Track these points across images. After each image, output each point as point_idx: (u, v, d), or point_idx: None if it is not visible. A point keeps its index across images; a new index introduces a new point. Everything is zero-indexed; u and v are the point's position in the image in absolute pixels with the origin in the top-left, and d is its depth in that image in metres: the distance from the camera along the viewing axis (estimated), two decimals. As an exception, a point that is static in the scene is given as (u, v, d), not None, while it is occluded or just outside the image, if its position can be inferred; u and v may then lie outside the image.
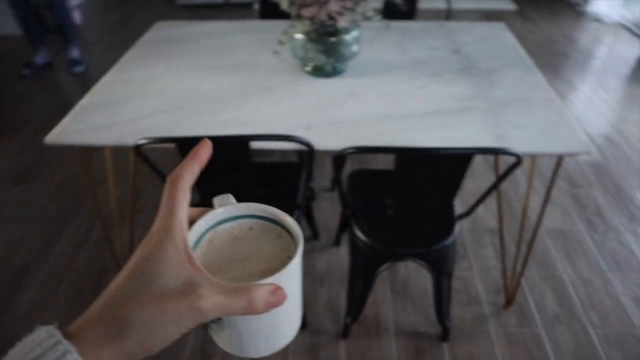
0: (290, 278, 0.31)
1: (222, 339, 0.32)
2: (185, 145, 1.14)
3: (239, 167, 1.23)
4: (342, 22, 1.35)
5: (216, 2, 4.27)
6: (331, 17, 1.35)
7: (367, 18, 1.39)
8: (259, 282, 0.29)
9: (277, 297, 0.29)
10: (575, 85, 3.10)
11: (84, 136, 1.31)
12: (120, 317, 0.26)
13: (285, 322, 0.33)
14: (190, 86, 1.52)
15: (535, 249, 1.93)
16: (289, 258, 0.31)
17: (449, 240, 1.40)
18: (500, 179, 1.22)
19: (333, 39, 1.46)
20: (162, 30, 1.93)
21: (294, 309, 0.33)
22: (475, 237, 2.01)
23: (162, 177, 1.29)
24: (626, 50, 3.57)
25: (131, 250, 1.76)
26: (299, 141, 1.11)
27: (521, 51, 1.73)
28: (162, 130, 1.31)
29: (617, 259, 1.90)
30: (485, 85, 1.50)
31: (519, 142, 1.24)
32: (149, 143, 1.15)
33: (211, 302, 0.27)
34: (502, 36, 1.84)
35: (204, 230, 0.33)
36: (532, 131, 1.29)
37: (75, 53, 3.37)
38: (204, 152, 0.33)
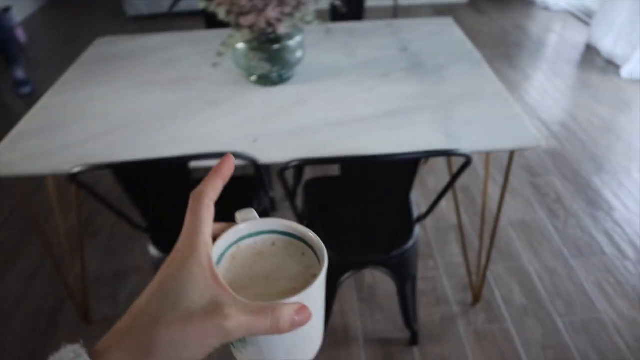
0: (315, 297, 0.31)
1: (244, 357, 0.32)
2: (121, 170, 1.08)
3: (182, 189, 1.17)
4: (282, 29, 1.31)
5: (165, 11, 4.16)
6: (270, 24, 1.30)
7: (307, 22, 1.35)
8: (284, 301, 0.28)
9: (303, 316, 0.29)
10: (529, 74, 3.15)
11: (17, 166, 1.22)
12: (146, 338, 0.26)
13: (307, 340, 0.32)
14: (131, 105, 1.45)
15: (499, 241, 1.93)
16: (314, 276, 0.31)
17: (409, 244, 1.37)
18: (453, 179, 1.21)
19: (276, 46, 1.42)
20: (102, 47, 1.85)
21: (317, 327, 0.32)
22: (440, 234, 2.00)
23: (106, 204, 1.22)
24: (575, 36, 3.66)
25: (85, 282, 1.68)
26: (240, 157, 1.06)
27: (469, 45, 1.72)
28: (102, 154, 1.24)
29: (578, 245, 1.92)
30: (434, 83, 1.48)
31: (469, 139, 1.23)
32: (82, 172, 1.08)
33: (237, 322, 0.27)
34: (450, 31, 1.84)
35: (227, 246, 0.33)
36: (482, 127, 1.27)
37: (20, 73, 3.21)
38: (227, 167, 0.33)
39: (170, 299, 0.27)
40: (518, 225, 2.02)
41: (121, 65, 1.69)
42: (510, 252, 1.90)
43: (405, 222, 1.39)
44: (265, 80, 1.50)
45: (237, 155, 1.07)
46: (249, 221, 0.34)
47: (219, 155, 1.05)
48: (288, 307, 0.28)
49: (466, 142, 1.21)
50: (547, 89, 2.97)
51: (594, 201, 2.12)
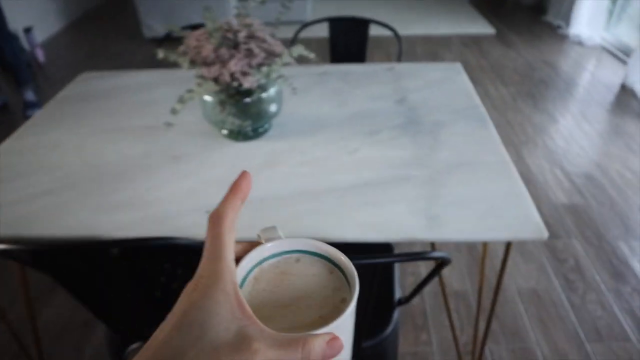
0: (346, 325, 0.29)
1: None
2: (35, 254, 0.93)
3: (120, 274, 1.03)
4: (247, 83, 1.16)
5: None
6: (235, 78, 1.16)
7: (273, 79, 1.20)
8: (314, 333, 0.27)
9: (334, 348, 0.27)
10: (556, 117, 2.91)
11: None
12: None
13: None
14: (90, 156, 1.33)
15: (504, 315, 1.71)
16: (343, 301, 0.30)
17: (386, 331, 1.19)
18: (428, 277, 1.02)
19: (247, 100, 1.27)
20: (84, 83, 1.75)
21: (346, 355, 0.30)
22: (438, 302, 1.79)
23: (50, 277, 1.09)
24: (609, 76, 3.39)
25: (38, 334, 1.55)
26: (160, 245, 0.90)
27: (476, 99, 1.54)
28: (45, 216, 1.11)
29: (597, 326, 1.68)
30: (428, 146, 1.30)
31: (455, 226, 1.04)
32: None
33: (266, 357, 0.25)
34: (456, 79, 1.65)
35: (250, 268, 0.32)
36: (475, 210, 1.08)
37: (30, 95, 3.21)
38: (245, 185, 0.32)
39: (194, 332, 0.25)
40: (528, 295, 1.79)
41: (95, 106, 1.58)
42: (516, 330, 1.67)
43: (385, 306, 1.21)
44: (237, 135, 1.36)
45: (154, 243, 0.92)
46: (273, 240, 0.33)
47: (137, 242, 0.89)
48: (319, 338, 0.27)
49: (451, 230, 1.02)
50: (575, 134, 2.72)
51: (619, 273, 1.87)
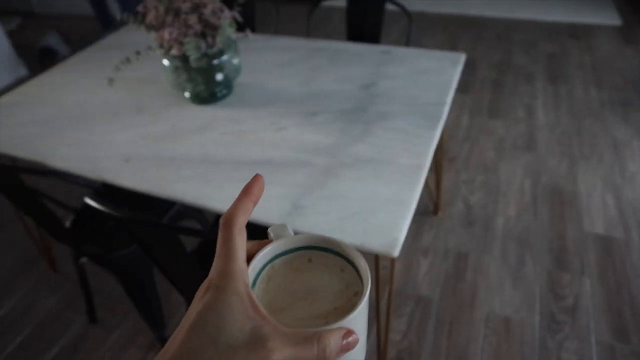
0: (360, 318, 0.29)
1: None
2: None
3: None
4: (176, 51, 1.23)
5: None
6: (170, 45, 1.24)
7: (196, 50, 1.24)
8: (329, 327, 0.27)
9: (350, 342, 0.28)
10: (647, 134, 2.40)
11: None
12: None
13: None
14: (78, 97, 1.55)
15: (459, 335, 1.58)
16: (356, 295, 0.30)
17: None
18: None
19: (201, 65, 1.34)
20: (122, 35, 2.00)
21: (361, 347, 0.31)
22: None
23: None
24: None
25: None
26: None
27: (448, 96, 1.38)
28: (35, 140, 1.37)
29: (560, 378, 1.44)
30: (354, 137, 1.24)
31: (314, 219, 1.01)
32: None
33: (282, 355, 0.25)
34: (444, 72, 1.49)
35: (262, 266, 0.32)
36: (344, 208, 1.03)
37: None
38: (257, 189, 0.31)
39: (209, 335, 0.25)
40: (496, 322, 1.60)
41: (107, 55, 1.79)
42: (464, 355, 1.53)
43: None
44: (195, 99, 1.45)
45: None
46: (283, 238, 0.33)
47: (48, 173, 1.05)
48: (334, 333, 0.27)
49: (308, 223, 1.00)
50: (662, 159, 2.22)
51: (623, 330, 1.56)
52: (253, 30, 2.10)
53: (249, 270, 0.29)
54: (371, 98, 1.39)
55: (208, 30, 1.27)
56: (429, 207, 2.05)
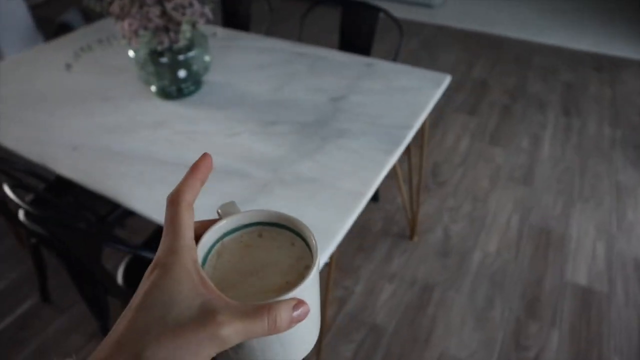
0: (310, 289, 0.29)
1: (237, 358, 0.30)
2: None
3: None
4: (135, 44, 1.19)
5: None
6: (126, 36, 1.20)
7: (155, 45, 1.20)
8: (279, 299, 0.27)
9: (301, 312, 0.27)
10: (660, 182, 2.23)
11: None
12: (135, 356, 0.24)
13: (305, 333, 0.31)
14: (56, 80, 1.54)
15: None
16: (307, 268, 0.30)
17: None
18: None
19: (163, 60, 1.31)
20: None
21: (313, 320, 0.31)
22: (349, 326, 1.63)
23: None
24: None
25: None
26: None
27: (418, 120, 1.30)
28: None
29: None
30: (304, 152, 1.17)
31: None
32: None
33: (232, 328, 0.25)
34: (423, 93, 1.40)
35: (211, 244, 0.31)
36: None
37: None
38: (205, 166, 0.31)
39: (157, 311, 0.25)
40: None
41: (96, 37, 1.78)
42: None
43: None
44: (161, 93, 1.41)
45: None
46: (232, 215, 0.32)
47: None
48: (285, 304, 0.27)
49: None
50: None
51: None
52: (247, 28, 2.05)
53: (198, 248, 0.29)
54: (336, 113, 1.32)
55: (171, 25, 1.22)
56: (406, 231, 1.96)
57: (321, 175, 1.10)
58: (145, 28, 1.20)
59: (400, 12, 3.73)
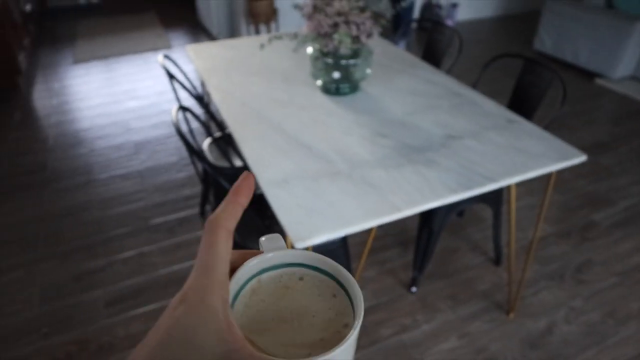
0: (347, 352, 0.26)
1: None
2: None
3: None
4: (344, 48, 1.52)
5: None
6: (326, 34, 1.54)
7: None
8: (312, 359, 0.24)
9: None
10: None
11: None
12: None
13: None
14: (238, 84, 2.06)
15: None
16: (346, 326, 0.27)
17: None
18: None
19: (327, 60, 1.63)
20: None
21: None
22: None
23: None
24: None
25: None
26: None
27: (513, 177, 1.27)
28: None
29: None
30: (384, 164, 1.32)
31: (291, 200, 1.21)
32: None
33: None
34: (541, 160, 1.34)
35: (247, 278, 0.29)
36: (312, 205, 1.19)
37: (401, 45, 4.11)
38: (247, 188, 0.29)
39: (177, 353, 0.23)
40: None
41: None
42: None
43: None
44: (323, 88, 1.74)
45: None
46: (275, 250, 0.30)
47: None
48: None
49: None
50: None
51: None
52: (439, 62, 2.21)
53: (232, 281, 0.27)
54: (442, 147, 1.41)
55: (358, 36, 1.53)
56: (502, 303, 1.83)
57: (381, 184, 1.24)
58: (319, 32, 1.54)
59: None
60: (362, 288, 1.82)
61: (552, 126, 1.64)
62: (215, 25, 4.46)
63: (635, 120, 3.21)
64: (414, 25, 4.72)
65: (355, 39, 1.55)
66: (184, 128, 1.62)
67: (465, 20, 5.14)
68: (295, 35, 1.67)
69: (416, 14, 4.70)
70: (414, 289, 1.87)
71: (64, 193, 2.53)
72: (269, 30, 4.08)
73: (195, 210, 2.33)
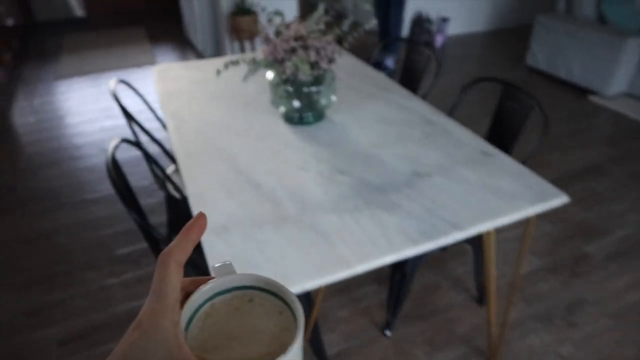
0: None
1: None
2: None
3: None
4: (303, 75, 1.39)
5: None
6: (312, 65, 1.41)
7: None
8: None
9: None
10: None
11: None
12: None
13: None
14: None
15: None
16: (290, 339, 0.29)
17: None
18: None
19: (287, 88, 1.50)
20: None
21: None
22: None
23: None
24: None
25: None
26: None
27: (483, 224, 1.13)
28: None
29: None
30: (338, 208, 1.18)
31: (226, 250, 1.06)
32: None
33: None
34: (516, 202, 1.19)
35: (200, 303, 0.31)
36: (259, 258, 1.04)
37: (389, 62, 3.95)
38: (198, 227, 0.31)
39: None
40: None
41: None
42: None
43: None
44: (285, 117, 1.60)
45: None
46: (226, 276, 0.32)
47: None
48: None
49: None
50: None
51: None
52: (416, 85, 2.08)
53: (186, 307, 0.29)
54: (406, 187, 1.26)
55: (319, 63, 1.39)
56: (484, 348, 1.67)
57: (331, 233, 1.10)
58: (275, 58, 1.40)
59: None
60: (332, 330, 1.73)
61: (542, 148, 1.49)
62: (201, 41, 4.35)
63: (630, 140, 3.06)
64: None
65: (315, 65, 1.41)
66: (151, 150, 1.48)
67: (456, 35, 5.01)
68: (253, 60, 1.54)
69: (406, 28, 4.59)
70: (388, 332, 1.72)
71: (30, 218, 2.40)
72: (252, 46, 3.97)
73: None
